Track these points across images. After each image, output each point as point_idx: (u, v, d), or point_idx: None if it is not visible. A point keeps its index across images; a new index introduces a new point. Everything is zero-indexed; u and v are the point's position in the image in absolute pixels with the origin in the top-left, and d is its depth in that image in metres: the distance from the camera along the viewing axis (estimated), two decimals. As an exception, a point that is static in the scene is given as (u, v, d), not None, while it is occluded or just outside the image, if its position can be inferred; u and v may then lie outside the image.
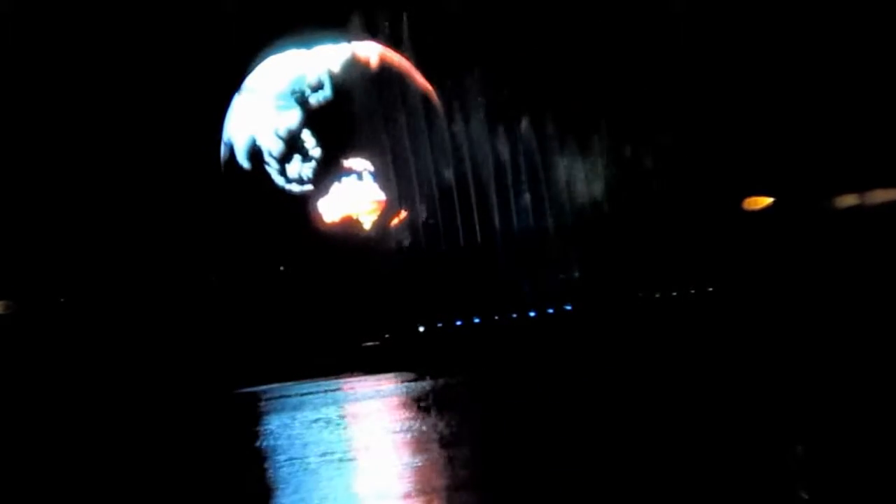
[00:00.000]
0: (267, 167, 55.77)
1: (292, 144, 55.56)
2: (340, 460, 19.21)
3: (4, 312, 47.10)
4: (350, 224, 55.92)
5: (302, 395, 37.14)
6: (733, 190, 51.74)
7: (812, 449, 15.84)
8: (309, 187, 55.78)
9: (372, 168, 55.77)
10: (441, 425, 23.28)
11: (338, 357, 45.26)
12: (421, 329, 45.74)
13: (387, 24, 53.62)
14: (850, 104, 50.06)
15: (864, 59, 50.43)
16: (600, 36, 52.08)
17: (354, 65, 55.63)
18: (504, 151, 52.96)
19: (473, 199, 52.25)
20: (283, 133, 55.66)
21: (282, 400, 36.70)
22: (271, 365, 44.81)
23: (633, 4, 53.24)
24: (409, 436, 21.73)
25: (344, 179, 55.99)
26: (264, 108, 56.01)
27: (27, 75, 49.71)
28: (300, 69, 56.40)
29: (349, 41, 55.63)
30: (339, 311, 46.83)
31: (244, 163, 55.96)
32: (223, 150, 56.00)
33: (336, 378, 43.32)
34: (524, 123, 52.84)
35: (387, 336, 46.14)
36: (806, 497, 13.20)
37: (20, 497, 19.26)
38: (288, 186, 55.74)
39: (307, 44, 55.95)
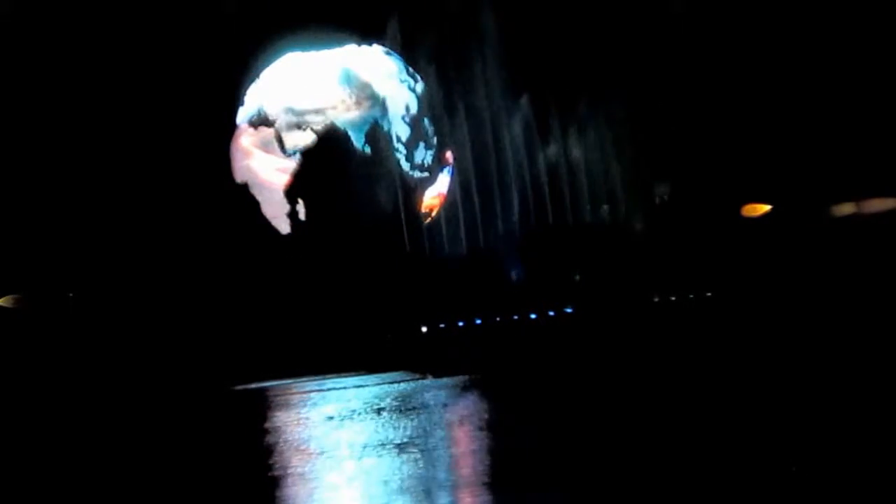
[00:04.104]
0: (396, 153, 55.61)
1: (416, 131, 55.37)
2: (353, 457, 19.39)
3: (12, 306, 47.32)
4: (427, 214, 55.90)
5: (306, 392, 37.52)
6: (732, 196, 52.13)
7: (807, 451, 16.15)
8: (426, 174, 55.81)
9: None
10: (449, 423, 23.65)
11: (341, 355, 45.71)
12: (424, 329, 46.09)
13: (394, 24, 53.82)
14: (848, 112, 50.40)
15: (862, 66, 50.78)
16: (601, 38, 52.39)
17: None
18: (503, 152, 53.23)
19: (476, 200, 52.59)
20: (408, 119, 55.43)
21: (285, 397, 37.11)
22: (272, 362, 45.20)
23: (630, 10, 53.55)
24: (415, 435, 21.94)
25: (445, 170, 56.14)
26: (381, 93, 55.68)
27: (35, 73, 49.76)
28: (387, 61, 55.93)
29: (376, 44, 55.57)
30: (343, 309, 47.29)
31: (364, 147, 55.54)
32: (301, 137, 54.94)
33: (339, 376, 43.78)
34: (521, 125, 53.16)
35: (390, 335, 46.56)
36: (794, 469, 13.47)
37: (26, 495, 19.11)
38: (411, 172, 55.77)
39: (363, 42, 55.58)
